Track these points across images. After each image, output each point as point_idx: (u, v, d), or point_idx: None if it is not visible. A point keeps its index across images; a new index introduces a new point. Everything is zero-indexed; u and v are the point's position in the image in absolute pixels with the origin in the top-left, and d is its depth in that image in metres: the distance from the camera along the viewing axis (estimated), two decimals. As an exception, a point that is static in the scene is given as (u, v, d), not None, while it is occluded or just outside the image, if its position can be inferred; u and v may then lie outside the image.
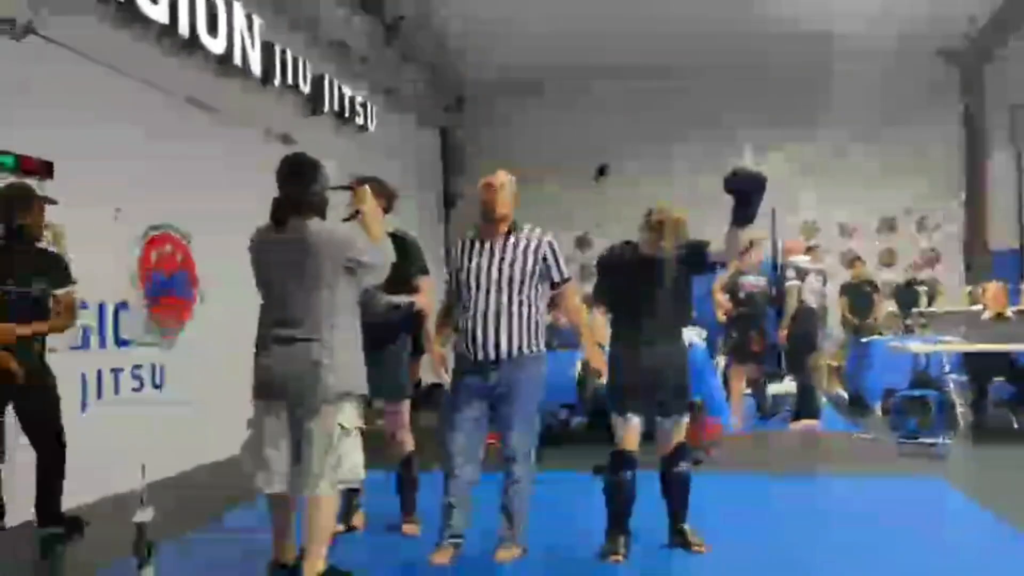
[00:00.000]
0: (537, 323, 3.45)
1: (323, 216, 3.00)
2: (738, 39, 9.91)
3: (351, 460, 2.96)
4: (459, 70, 11.20)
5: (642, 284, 3.48)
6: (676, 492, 3.53)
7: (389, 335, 3.71)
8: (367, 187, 3.11)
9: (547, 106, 11.31)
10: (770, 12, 9.24)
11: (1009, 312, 6.68)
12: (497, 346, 3.33)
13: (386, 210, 3.62)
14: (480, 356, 3.35)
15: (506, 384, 3.35)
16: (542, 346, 3.48)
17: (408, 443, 3.88)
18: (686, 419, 3.56)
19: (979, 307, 6.95)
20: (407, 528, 3.85)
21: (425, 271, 3.83)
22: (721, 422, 6.24)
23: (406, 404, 3.87)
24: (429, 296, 3.83)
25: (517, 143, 10.67)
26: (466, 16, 9.35)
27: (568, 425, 6.68)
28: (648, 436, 3.56)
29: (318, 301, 2.91)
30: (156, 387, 5.21)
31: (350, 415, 2.96)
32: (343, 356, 2.93)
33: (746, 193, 3.19)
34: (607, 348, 3.64)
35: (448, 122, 11.86)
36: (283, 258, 2.94)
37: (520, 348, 3.36)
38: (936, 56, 10.71)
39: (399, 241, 3.67)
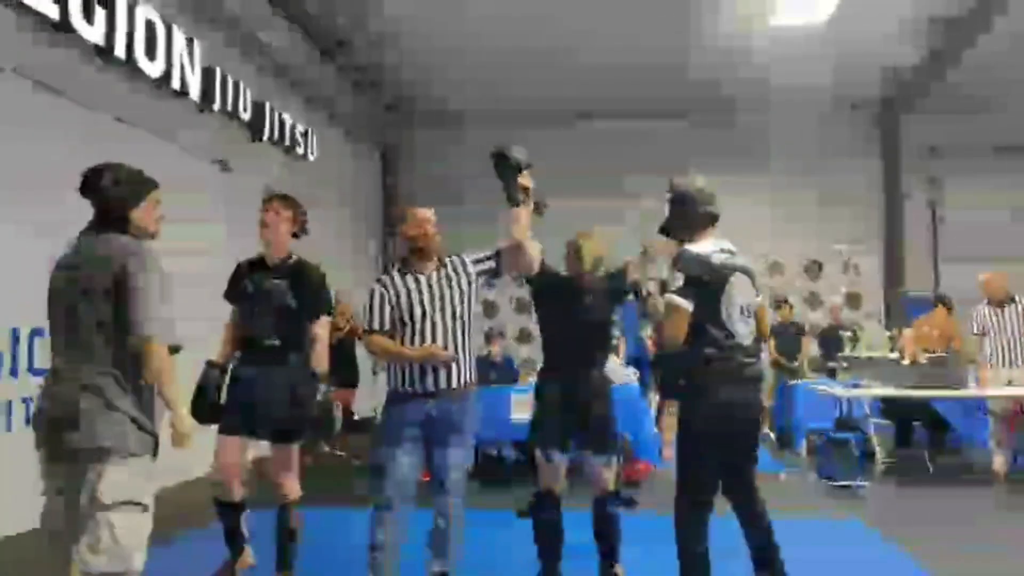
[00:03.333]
0: (474, 356, 3.45)
1: None
2: (668, 87, 10.31)
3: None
4: (402, 98, 11.26)
5: (563, 310, 3.50)
6: (607, 535, 3.55)
7: (277, 363, 3.54)
8: None
9: (485, 139, 11.42)
10: (702, 59, 9.63)
11: (923, 359, 7.00)
12: (442, 379, 3.28)
13: (295, 235, 3.61)
14: (422, 389, 3.29)
15: (446, 416, 3.29)
16: (475, 379, 3.44)
17: (293, 491, 3.63)
18: (615, 460, 3.58)
19: (896, 354, 7.27)
20: None
21: (328, 310, 3.62)
22: (652, 463, 6.29)
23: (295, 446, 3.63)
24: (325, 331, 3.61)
25: (452, 177, 10.65)
26: (411, 45, 9.40)
27: (502, 462, 6.65)
28: (580, 469, 3.55)
29: None
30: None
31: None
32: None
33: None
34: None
35: (389, 150, 11.88)
36: None
37: (462, 381, 3.33)
38: (859, 107, 11.39)
39: (301, 269, 3.60)
